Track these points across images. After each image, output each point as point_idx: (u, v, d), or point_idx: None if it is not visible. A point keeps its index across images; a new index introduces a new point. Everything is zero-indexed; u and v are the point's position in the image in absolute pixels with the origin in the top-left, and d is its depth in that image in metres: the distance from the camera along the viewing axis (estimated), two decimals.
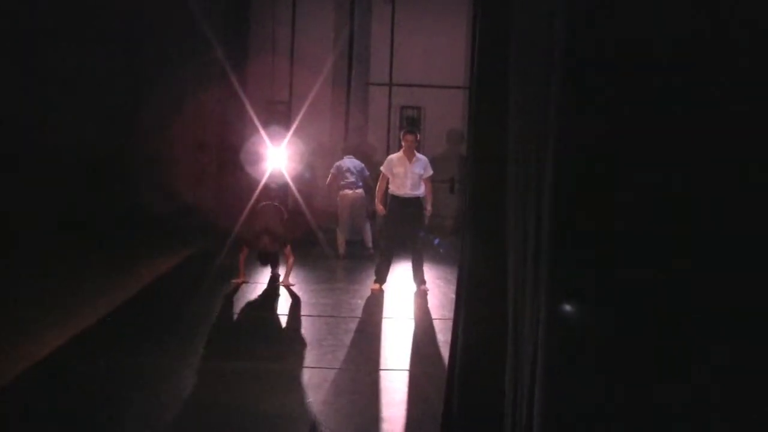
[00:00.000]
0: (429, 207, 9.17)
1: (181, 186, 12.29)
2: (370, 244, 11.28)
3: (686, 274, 2.36)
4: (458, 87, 13.70)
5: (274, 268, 9.43)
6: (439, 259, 10.86)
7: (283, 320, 7.72)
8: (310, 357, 6.56)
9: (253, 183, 11.38)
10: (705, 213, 2.36)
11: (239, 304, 8.07)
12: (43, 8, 10.39)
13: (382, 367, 6.45)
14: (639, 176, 2.44)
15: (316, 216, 11.78)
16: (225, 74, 12.15)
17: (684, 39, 2.38)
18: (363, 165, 11.38)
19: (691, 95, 2.37)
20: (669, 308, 2.38)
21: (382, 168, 9.21)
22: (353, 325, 7.60)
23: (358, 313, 8.13)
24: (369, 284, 9.18)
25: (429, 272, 9.45)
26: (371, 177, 11.05)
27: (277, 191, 12.13)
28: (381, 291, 9.01)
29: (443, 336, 7.06)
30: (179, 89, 12.01)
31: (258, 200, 9.32)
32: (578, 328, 2.52)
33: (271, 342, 7.05)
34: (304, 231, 11.73)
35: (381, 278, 9.10)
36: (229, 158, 12.58)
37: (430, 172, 9.13)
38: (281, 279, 9.15)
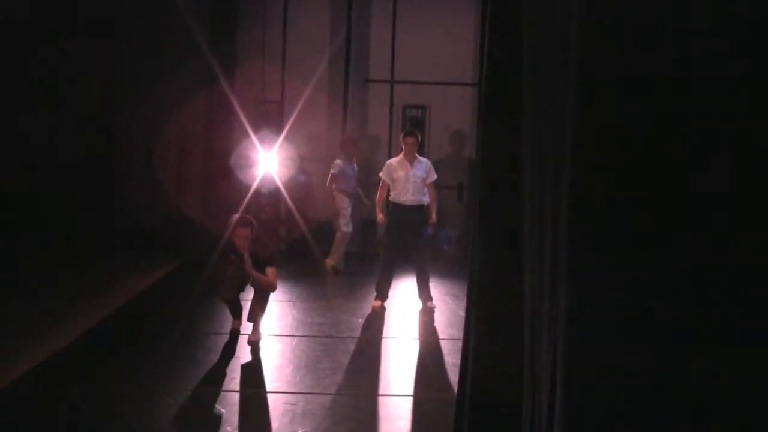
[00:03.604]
0: (434, 216, 9.16)
1: (165, 195, 12.31)
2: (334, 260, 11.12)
3: (708, 274, 2.44)
4: (466, 84, 13.71)
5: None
6: (446, 273, 10.84)
7: (275, 341, 7.70)
8: (305, 382, 6.53)
9: (243, 189, 11.41)
10: (728, 213, 2.44)
11: (226, 325, 8.04)
12: (20, 7, 10.44)
13: (384, 392, 6.43)
14: (661, 177, 2.51)
15: (311, 225, 11.78)
16: (213, 75, 12.18)
17: (705, 32, 2.44)
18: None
19: (712, 94, 2.45)
20: (692, 310, 2.45)
21: (381, 174, 9.21)
22: (352, 347, 7.58)
23: (358, 332, 8.11)
24: (369, 301, 9.17)
25: (435, 287, 9.44)
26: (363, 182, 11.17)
27: (269, 198, 12.16)
28: (383, 308, 8.99)
29: (452, 358, 7.03)
30: (163, 92, 12.03)
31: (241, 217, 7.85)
32: (600, 349, 2.55)
33: (260, 366, 7.02)
34: (297, 241, 11.74)
35: (382, 294, 9.07)
36: (218, 164, 12.59)
37: (434, 176, 9.12)
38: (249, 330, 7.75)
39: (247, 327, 7.72)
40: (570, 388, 2.62)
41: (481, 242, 3.98)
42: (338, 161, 11.13)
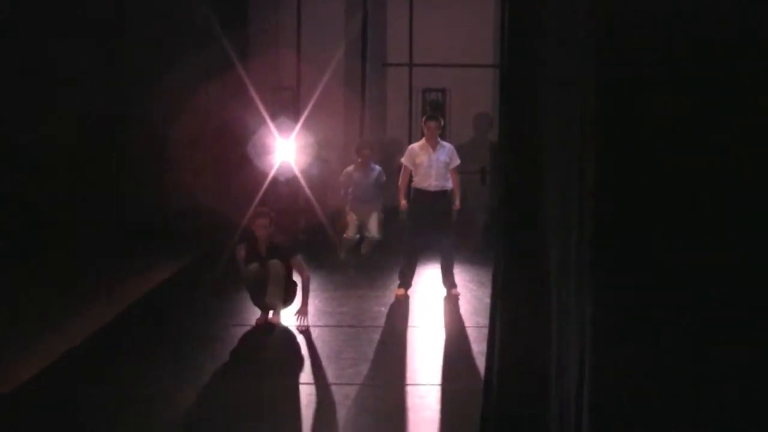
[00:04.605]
0: (457, 201, 9.15)
1: (179, 185, 12.34)
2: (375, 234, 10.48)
3: (736, 272, 2.48)
4: (487, 66, 13.64)
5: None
6: (471, 260, 10.83)
7: (295, 331, 7.73)
8: (328, 372, 6.56)
9: (260, 178, 11.38)
10: (757, 214, 2.47)
11: (244, 317, 8.07)
12: None
13: (409, 382, 6.45)
14: (687, 178, 2.55)
15: (330, 213, 11.77)
16: (226, 61, 12.17)
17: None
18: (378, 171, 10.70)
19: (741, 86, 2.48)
20: (720, 307, 2.49)
21: (402, 159, 9.20)
22: (376, 336, 7.60)
23: (381, 321, 8.13)
24: (392, 289, 9.17)
25: (460, 274, 9.44)
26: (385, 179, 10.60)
27: (286, 186, 12.16)
28: (406, 297, 9.00)
29: (477, 346, 7.04)
30: (176, 79, 12.04)
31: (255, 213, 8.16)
32: (625, 337, 2.58)
33: (281, 357, 7.06)
34: (316, 230, 11.74)
35: (406, 282, 9.09)
36: (233, 152, 12.60)
37: (457, 161, 9.12)
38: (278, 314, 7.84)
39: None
40: (596, 384, 2.64)
41: (504, 228, 3.98)
42: (348, 169, 10.67)
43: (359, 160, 10.57)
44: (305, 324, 7.67)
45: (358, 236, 10.62)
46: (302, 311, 7.72)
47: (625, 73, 2.55)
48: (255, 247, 7.72)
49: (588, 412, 2.69)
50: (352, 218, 10.54)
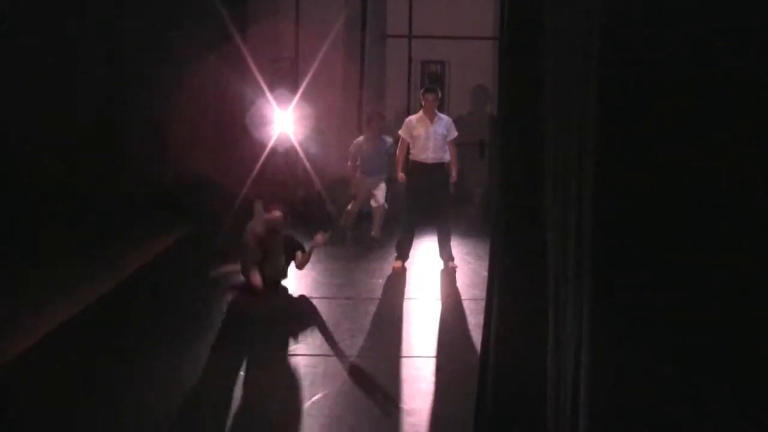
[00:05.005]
0: (455, 174, 9.15)
1: (178, 156, 12.30)
2: (376, 233, 10.30)
3: (733, 275, 2.48)
4: (487, 38, 13.59)
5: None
6: (468, 233, 10.83)
7: (292, 303, 7.75)
8: (324, 344, 6.59)
9: (258, 148, 11.34)
10: (756, 212, 2.48)
11: (243, 287, 8.09)
12: None
13: (405, 353, 6.47)
14: (688, 174, 2.54)
15: (328, 185, 11.77)
16: (224, 31, 12.10)
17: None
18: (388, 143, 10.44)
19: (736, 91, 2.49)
20: (719, 301, 2.49)
21: (400, 132, 9.19)
22: (372, 308, 7.62)
23: (378, 294, 8.15)
24: (390, 262, 9.20)
25: (457, 247, 9.45)
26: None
27: (285, 157, 12.14)
28: (403, 269, 9.02)
29: (474, 318, 7.07)
30: (174, 49, 11.97)
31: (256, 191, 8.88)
32: (624, 309, 2.59)
33: (278, 328, 7.08)
34: (314, 201, 11.74)
35: (403, 255, 9.10)
36: (232, 123, 12.57)
37: (455, 133, 9.10)
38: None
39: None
40: (593, 384, 2.65)
41: (503, 201, 3.98)
42: (359, 139, 10.46)
43: (369, 131, 10.38)
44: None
45: (362, 210, 10.54)
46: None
47: (628, 70, 2.55)
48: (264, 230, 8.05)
49: (584, 411, 2.71)
50: (358, 190, 10.45)
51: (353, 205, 10.49)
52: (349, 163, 10.57)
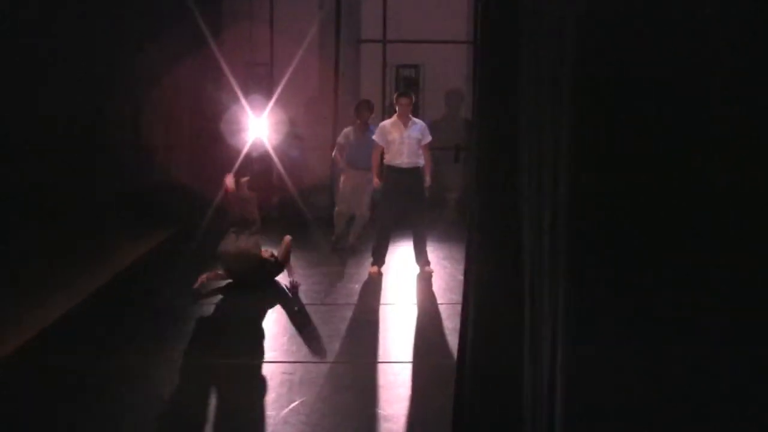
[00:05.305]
0: (428, 178, 9.14)
1: (153, 161, 12.24)
2: (353, 240, 10.37)
3: (705, 274, 2.53)
4: (461, 42, 13.61)
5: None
6: (444, 237, 10.84)
7: (270, 309, 7.72)
8: (302, 350, 6.57)
9: (233, 154, 11.30)
10: (728, 213, 2.53)
11: (218, 293, 8.06)
12: None
13: (382, 359, 6.47)
14: (661, 174, 2.60)
15: (304, 191, 11.74)
16: (199, 36, 12.05)
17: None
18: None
19: (712, 93, 2.55)
20: (696, 297, 2.53)
21: (374, 137, 9.18)
22: (349, 313, 7.61)
23: (355, 299, 8.13)
24: (366, 267, 9.19)
25: (433, 252, 9.45)
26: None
27: (260, 163, 12.09)
28: (379, 274, 9.01)
29: (451, 323, 7.07)
30: (149, 54, 11.91)
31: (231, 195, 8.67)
32: (599, 309, 2.60)
33: (255, 334, 7.05)
34: (290, 208, 11.71)
35: (379, 260, 9.10)
36: (207, 128, 12.51)
37: (429, 137, 9.10)
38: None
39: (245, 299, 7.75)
40: (569, 377, 2.66)
41: (478, 205, 3.98)
42: (346, 130, 10.27)
43: (358, 122, 10.14)
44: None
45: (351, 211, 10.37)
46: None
47: (600, 70, 2.57)
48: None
49: (561, 406, 2.71)
50: (345, 188, 10.27)
51: (341, 206, 10.38)
52: (334, 154, 10.38)
